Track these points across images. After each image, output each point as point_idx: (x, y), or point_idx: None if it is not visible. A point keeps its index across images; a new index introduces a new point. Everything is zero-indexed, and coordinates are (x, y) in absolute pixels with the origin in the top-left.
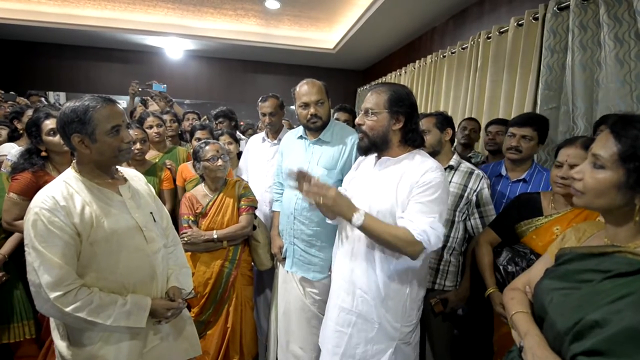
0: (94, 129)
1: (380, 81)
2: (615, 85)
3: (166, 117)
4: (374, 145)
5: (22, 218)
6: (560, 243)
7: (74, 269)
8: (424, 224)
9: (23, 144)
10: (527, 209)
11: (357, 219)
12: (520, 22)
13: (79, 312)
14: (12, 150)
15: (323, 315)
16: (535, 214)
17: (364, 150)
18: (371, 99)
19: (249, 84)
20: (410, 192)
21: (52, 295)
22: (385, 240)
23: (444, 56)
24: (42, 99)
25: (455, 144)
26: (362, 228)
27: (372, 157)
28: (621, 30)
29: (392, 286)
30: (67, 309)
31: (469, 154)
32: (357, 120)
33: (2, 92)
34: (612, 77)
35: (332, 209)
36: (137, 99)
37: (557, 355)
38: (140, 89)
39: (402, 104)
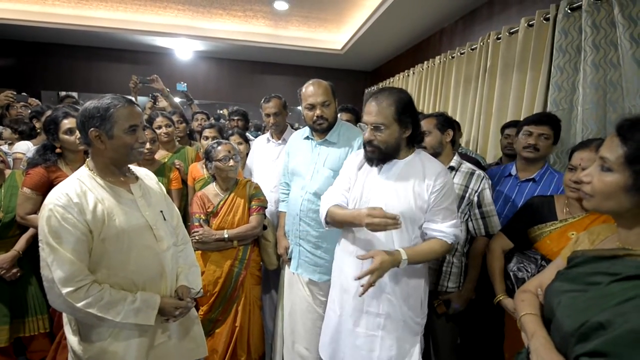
0: (113, 126)
1: (388, 82)
2: (633, 86)
3: (174, 117)
4: (386, 157)
5: (35, 212)
6: (574, 246)
7: (85, 265)
8: (451, 228)
9: (37, 143)
10: (541, 213)
11: (403, 263)
12: (530, 23)
13: (90, 308)
14: (32, 148)
15: None
16: (550, 218)
17: (375, 162)
18: (378, 113)
19: (257, 85)
20: (428, 197)
21: (65, 290)
22: (429, 260)
23: (453, 57)
24: (79, 102)
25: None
26: (410, 264)
27: None
28: (636, 30)
29: (411, 284)
30: (79, 305)
31: (458, 151)
32: (366, 137)
33: (15, 92)
34: (631, 78)
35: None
36: (140, 98)
37: (562, 357)
38: (141, 84)
39: (409, 112)
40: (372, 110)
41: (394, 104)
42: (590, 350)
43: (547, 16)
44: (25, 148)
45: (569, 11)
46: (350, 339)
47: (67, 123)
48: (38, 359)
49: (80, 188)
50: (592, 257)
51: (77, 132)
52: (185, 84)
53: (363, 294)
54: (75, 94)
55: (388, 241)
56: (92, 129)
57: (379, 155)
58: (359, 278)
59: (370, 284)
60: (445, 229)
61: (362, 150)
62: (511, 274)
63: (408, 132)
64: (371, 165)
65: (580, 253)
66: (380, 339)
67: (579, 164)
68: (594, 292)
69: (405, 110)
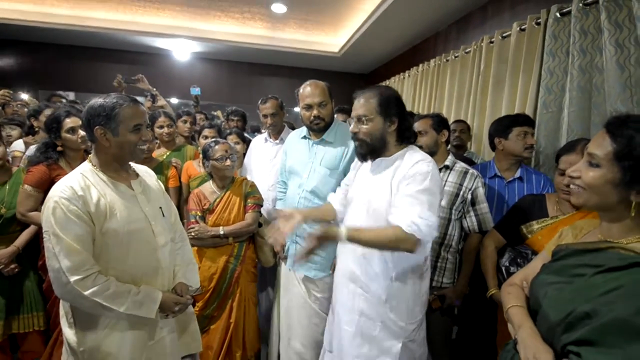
0: (118, 125)
1: (384, 84)
2: (616, 90)
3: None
4: (373, 150)
5: (35, 210)
6: (558, 240)
7: (91, 256)
8: (412, 215)
9: (32, 141)
10: (533, 210)
11: (341, 236)
12: (522, 27)
13: (97, 297)
14: (31, 147)
15: (324, 312)
16: (541, 216)
17: (363, 156)
18: (361, 106)
19: (255, 86)
20: (397, 187)
21: (73, 278)
22: (378, 244)
23: (447, 60)
24: (64, 100)
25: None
26: (351, 241)
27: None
28: (622, 35)
29: (393, 285)
30: (86, 293)
31: (465, 154)
32: (351, 129)
33: (11, 92)
34: (613, 82)
35: (322, 243)
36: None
37: (548, 346)
38: (125, 83)
39: (392, 105)
40: (357, 105)
41: (377, 97)
42: (576, 339)
43: (539, 21)
44: (22, 146)
45: (559, 16)
46: (335, 329)
47: (70, 122)
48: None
49: (84, 182)
50: (577, 250)
51: (80, 131)
52: (199, 88)
53: (298, 258)
54: (72, 94)
55: None
56: (97, 126)
57: (367, 149)
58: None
59: (306, 253)
60: (403, 213)
61: None
62: (503, 268)
63: (394, 126)
64: (361, 161)
65: (564, 246)
66: (352, 335)
67: (567, 168)
68: (579, 284)
69: (389, 104)
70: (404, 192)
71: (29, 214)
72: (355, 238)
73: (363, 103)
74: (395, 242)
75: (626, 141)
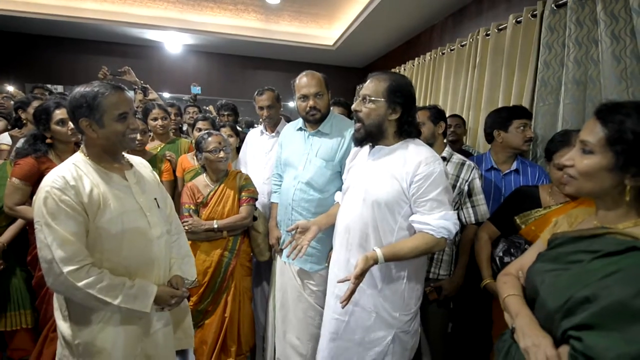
0: (102, 115)
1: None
2: (611, 82)
3: (171, 109)
4: (369, 135)
5: (23, 203)
6: (553, 229)
7: (84, 246)
8: (438, 221)
9: (19, 134)
10: (526, 201)
11: (380, 260)
12: (518, 19)
13: (90, 289)
14: (21, 140)
15: (320, 306)
16: (534, 206)
17: (359, 141)
18: (370, 86)
19: (248, 80)
20: (409, 186)
21: (66, 269)
22: (413, 256)
23: (443, 53)
24: (47, 93)
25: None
26: (388, 261)
27: (367, 146)
28: (617, 27)
29: (388, 276)
30: (80, 284)
31: (462, 148)
32: (354, 106)
33: None
34: (609, 74)
35: (364, 274)
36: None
37: (546, 334)
38: (111, 76)
39: (401, 94)
40: (367, 85)
41: (388, 82)
42: (577, 323)
43: (535, 13)
44: (8, 139)
45: (555, 8)
46: (326, 318)
47: (59, 114)
48: (18, 357)
49: (76, 172)
50: (573, 237)
51: (70, 123)
52: (200, 87)
53: (344, 302)
54: (60, 87)
55: (366, 228)
56: (82, 118)
57: (363, 133)
58: (342, 281)
59: (352, 292)
60: (431, 221)
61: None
62: (497, 258)
63: (395, 115)
64: (356, 145)
65: (560, 234)
66: (345, 324)
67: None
68: (576, 270)
69: (397, 92)
70: (423, 197)
71: (16, 207)
72: (391, 257)
73: (372, 84)
74: (429, 249)
75: (617, 126)
